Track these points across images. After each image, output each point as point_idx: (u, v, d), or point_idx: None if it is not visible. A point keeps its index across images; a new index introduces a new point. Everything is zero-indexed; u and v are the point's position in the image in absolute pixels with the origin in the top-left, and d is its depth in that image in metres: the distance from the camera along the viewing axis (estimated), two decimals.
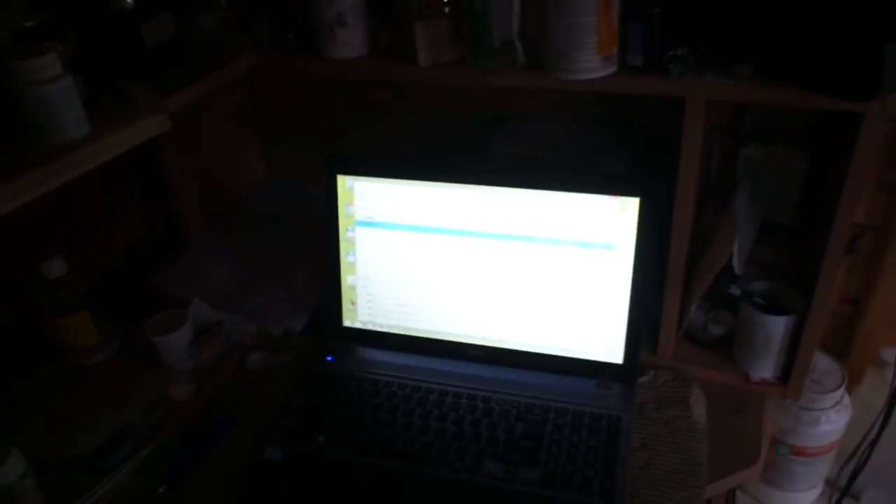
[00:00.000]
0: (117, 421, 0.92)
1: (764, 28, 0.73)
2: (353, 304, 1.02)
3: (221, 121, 1.21)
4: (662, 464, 0.85)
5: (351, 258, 0.99)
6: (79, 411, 0.94)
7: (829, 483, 1.18)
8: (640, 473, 0.84)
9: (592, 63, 0.77)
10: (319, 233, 1.23)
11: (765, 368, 0.93)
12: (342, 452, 0.87)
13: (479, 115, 1.08)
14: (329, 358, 1.01)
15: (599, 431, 0.86)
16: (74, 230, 1.10)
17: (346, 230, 0.98)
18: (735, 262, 0.88)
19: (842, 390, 1.04)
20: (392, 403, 0.92)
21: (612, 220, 0.87)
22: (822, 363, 1.05)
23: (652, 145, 0.96)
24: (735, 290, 0.88)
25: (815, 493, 1.15)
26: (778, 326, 0.88)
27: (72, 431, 0.90)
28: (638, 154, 0.98)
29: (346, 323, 1.03)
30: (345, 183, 0.96)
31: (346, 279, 1.00)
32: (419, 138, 1.11)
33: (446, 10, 0.85)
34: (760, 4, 0.72)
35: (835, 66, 0.69)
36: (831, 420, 1.03)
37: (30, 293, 0.99)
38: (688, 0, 0.75)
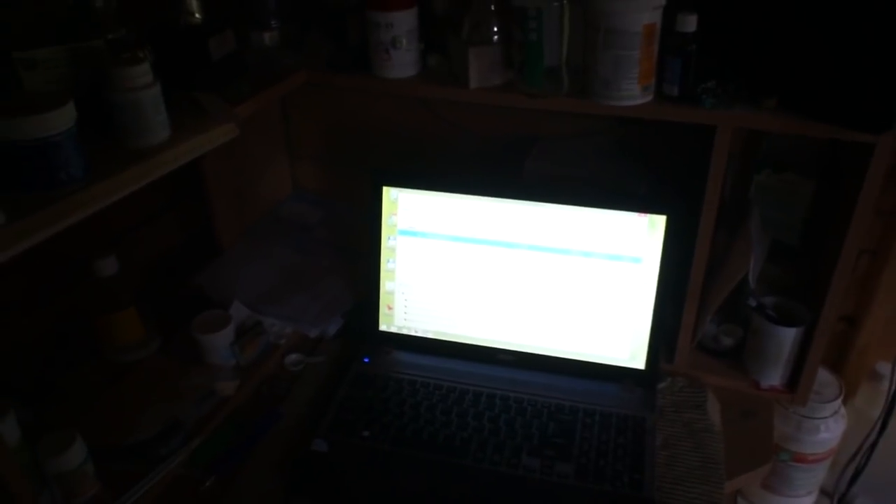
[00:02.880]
0: (169, 413, 0.96)
1: (787, 66, 0.82)
2: (390, 309, 1.07)
3: (254, 133, 1.27)
4: (684, 461, 0.92)
5: (391, 265, 1.05)
6: (130, 404, 0.98)
7: (823, 491, 1.26)
8: (664, 470, 0.91)
9: (634, 91, 0.85)
10: (347, 242, 1.30)
11: (774, 376, 1.01)
12: (386, 446, 0.92)
13: (505, 137, 1.15)
14: (366, 359, 1.06)
15: (626, 430, 0.93)
16: (114, 232, 1.14)
17: (388, 239, 1.04)
18: (750, 278, 0.96)
19: (839, 401, 1.12)
20: (430, 402, 0.98)
21: (641, 236, 0.95)
22: (821, 375, 1.14)
23: (665, 169, 1.04)
24: (752, 302, 0.96)
25: (810, 500, 1.23)
26: (788, 337, 0.97)
27: (126, 422, 0.94)
28: (652, 177, 1.06)
29: (383, 327, 1.09)
30: (389, 194, 1.02)
31: (385, 285, 1.06)
32: (450, 158, 1.18)
33: (495, 38, 0.93)
34: (784, 45, 0.82)
35: (852, 101, 0.78)
36: (830, 428, 1.11)
37: (73, 290, 1.03)
38: (720, 39, 0.84)
